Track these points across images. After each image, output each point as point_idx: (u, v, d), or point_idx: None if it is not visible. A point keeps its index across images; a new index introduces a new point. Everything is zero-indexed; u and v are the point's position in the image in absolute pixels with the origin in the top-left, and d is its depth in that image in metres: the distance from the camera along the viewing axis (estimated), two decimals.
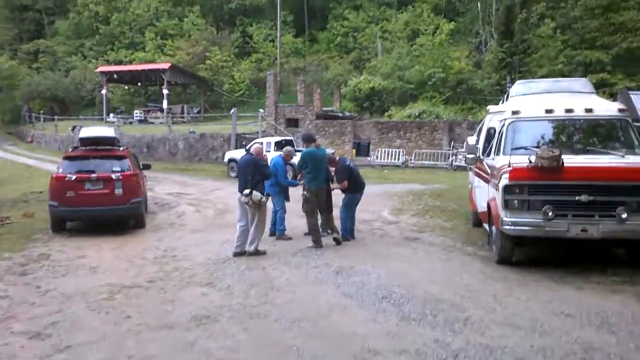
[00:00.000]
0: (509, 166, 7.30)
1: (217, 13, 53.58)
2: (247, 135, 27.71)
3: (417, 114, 30.41)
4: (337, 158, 10.08)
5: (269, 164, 10.07)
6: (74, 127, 31.91)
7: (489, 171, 8.41)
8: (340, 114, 31.97)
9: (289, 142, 23.80)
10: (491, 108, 10.19)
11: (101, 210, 11.18)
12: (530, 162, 7.13)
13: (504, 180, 7.27)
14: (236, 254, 8.69)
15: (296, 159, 10.66)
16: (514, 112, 8.22)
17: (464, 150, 26.08)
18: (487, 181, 8.70)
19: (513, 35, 35.06)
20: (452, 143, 26.29)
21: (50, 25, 58.38)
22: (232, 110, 27.74)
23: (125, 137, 30.14)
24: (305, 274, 7.61)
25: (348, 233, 9.80)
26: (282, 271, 7.71)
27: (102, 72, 42.22)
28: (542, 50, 35.16)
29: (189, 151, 28.78)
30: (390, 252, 8.85)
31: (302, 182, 9.59)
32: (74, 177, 11.01)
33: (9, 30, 56.85)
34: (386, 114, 32.96)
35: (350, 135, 27.43)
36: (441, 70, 35.14)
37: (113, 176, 11.17)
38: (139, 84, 45.97)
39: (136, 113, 40.45)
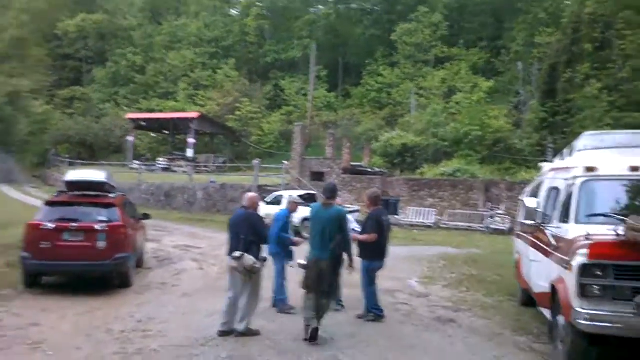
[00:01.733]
0: (588, 239, 5.37)
1: (251, 66, 53.68)
2: (269, 188, 26.16)
3: (451, 172, 28.54)
4: (370, 210, 8.10)
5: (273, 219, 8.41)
6: None
7: (553, 242, 6.46)
8: (370, 170, 30.29)
9: (312, 197, 22.17)
10: (552, 164, 8.32)
11: (80, 265, 9.52)
12: (618, 234, 5.20)
13: (581, 258, 5.34)
14: (222, 333, 6.84)
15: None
16: (589, 169, 6.33)
17: (501, 212, 24.21)
18: (547, 254, 6.74)
19: (556, 94, 33.26)
20: (489, 204, 24.18)
21: (88, 73, 59.35)
22: (255, 162, 26.36)
23: (144, 184, 29.24)
24: None
25: (373, 308, 7.85)
26: None
27: (131, 119, 41.87)
28: (586, 111, 33.18)
29: (207, 201, 27.33)
30: (420, 340, 6.85)
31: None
32: (51, 226, 9.45)
33: (49, 77, 57.98)
34: (418, 171, 31.16)
35: (379, 190, 25.60)
36: (478, 129, 33.38)
37: (96, 227, 9.55)
38: (167, 132, 45.47)
39: (159, 160, 39.59)
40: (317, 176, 27.31)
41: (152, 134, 48.02)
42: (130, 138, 41.16)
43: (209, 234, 20.10)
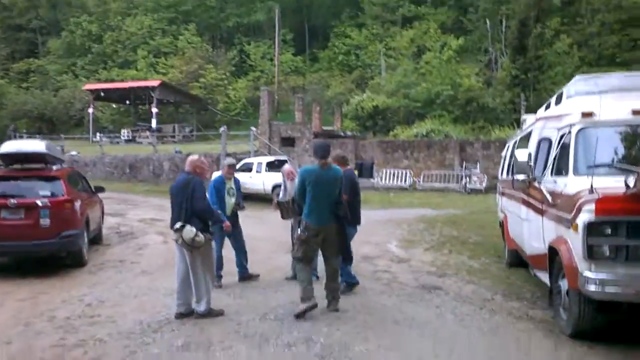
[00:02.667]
0: (593, 193, 4.65)
1: (213, 31, 51.69)
2: (238, 155, 25.14)
3: (424, 133, 27.94)
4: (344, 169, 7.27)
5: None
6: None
7: (549, 199, 5.75)
8: (342, 133, 29.47)
9: (283, 163, 21.27)
10: (538, 114, 7.60)
11: (22, 245, 8.52)
12: (628, 186, 4.49)
13: (587, 216, 4.62)
14: (179, 315, 6.01)
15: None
16: (586, 115, 5.60)
17: (477, 171, 23.71)
18: (541, 213, 6.05)
19: (526, 51, 32.71)
20: (465, 164, 23.67)
21: (43, 45, 56.47)
22: (222, 128, 25.20)
23: (107, 157, 27.86)
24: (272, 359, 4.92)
25: (348, 277, 7.10)
26: (236, 352, 4.99)
27: (90, 90, 39.91)
28: (558, 68, 32.80)
29: (174, 172, 26.11)
30: (404, 314, 6.13)
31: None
32: None
33: (2, 50, 54.99)
34: (391, 133, 30.49)
35: (352, 155, 24.81)
36: (450, 88, 32.77)
37: (38, 202, 8.53)
38: (128, 102, 43.60)
39: (124, 132, 37.97)
40: (288, 142, 26.34)
41: (114, 105, 46.08)
42: (90, 110, 39.30)
43: None
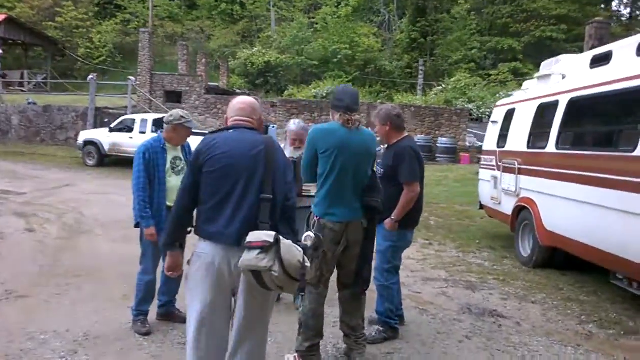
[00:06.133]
0: None
1: None
2: (111, 111, 20.87)
3: (324, 94, 25.57)
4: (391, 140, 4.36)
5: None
6: None
7: None
8: (237, 90, 26.10)
9: None
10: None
11: None
12: None
13: None
14: None
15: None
16: None
17: None
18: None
19: (426, 14, 31.44)
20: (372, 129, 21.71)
21: None
22: (91, 77, 20.62)
23: None
24: None
25: (387, 316, 4.30)
26: None
27: None
28: (456, 34, 32.06)
29: (27, 129, 21.17)
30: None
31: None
32: None
33: None
34: (285, 93, 27.68)
35: None
36: (348, 47, 30.61)
37: None
38: None
39: None
40: (174, 97, 22.44)
41: None
42: None
43: (35, 173, 14.93)
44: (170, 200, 4.25)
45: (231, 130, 2.88)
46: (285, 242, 2.57)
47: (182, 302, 4.58)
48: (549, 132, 6.49)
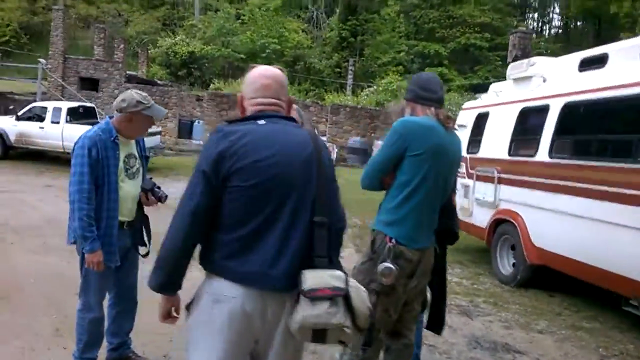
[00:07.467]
0: None
1: None
2: (17, 97, 18.64)
3: None
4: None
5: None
6: None
7: None
8: (159, 81, 24.39)
9: (90, 111, 15.95)
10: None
11: None
12: None
13: None
14: None
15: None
16: None
17: (325, 139, 21.25)
18: None
19: (357, 13, 31.09)
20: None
21: None
22: None
23: None
24: None
25: None
26: None
27: None
28: (385, 35, 31.96)
29: None
30: None
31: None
32: None
33: None
34: (211, 86, 26.29)
35: (176, 109, 20.29)
36: (277, 42, 29.64)
37: None
38: None
39: None
40: (90, 84, 20.46)
41: None
42: None
43: None
44: (123, 215, 3.23)
45: (262, 121, 1.94)
46: (353, 285, 1.84)
47: (137, 340, 3.56)
48: (539, 139, 5.98)
